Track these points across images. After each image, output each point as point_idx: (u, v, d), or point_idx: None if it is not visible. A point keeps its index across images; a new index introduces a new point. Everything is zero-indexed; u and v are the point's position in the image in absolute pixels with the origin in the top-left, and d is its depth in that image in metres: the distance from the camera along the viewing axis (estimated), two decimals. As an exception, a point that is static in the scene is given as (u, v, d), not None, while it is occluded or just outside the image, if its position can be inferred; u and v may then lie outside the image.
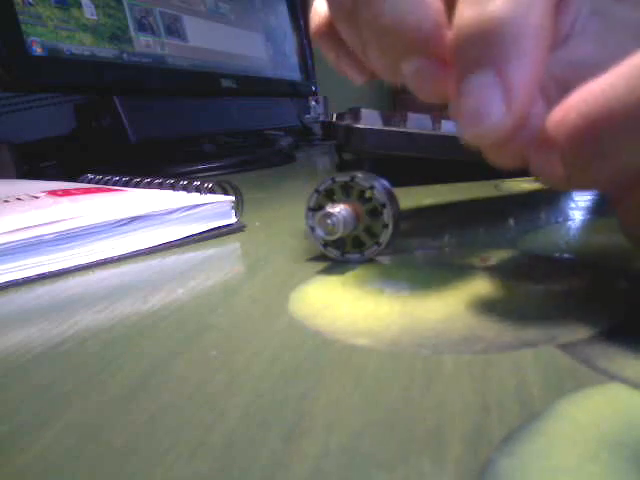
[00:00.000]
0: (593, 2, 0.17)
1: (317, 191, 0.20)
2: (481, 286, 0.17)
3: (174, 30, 0.64)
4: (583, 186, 0.13)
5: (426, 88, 0.15)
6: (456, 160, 0.34)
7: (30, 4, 0.46)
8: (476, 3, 0.13)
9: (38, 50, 0.46)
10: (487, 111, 0.13)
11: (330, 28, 0.18)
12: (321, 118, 1.06)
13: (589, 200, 0.30)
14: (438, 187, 0.37)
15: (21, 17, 0.45)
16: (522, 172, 0.15)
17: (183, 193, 0.28)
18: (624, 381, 0.11)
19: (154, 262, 0.23)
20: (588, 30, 0.17)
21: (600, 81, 0.11)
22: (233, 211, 0.28)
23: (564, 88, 0.15)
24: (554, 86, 0.16)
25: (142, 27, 0.59)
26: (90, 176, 0.36)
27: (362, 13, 0.15)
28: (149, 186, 0.32)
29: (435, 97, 0.15)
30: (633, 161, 0.11)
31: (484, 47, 0.12)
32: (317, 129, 1.04)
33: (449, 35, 0.14)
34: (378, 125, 0.38)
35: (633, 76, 0.11)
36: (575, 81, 0.14)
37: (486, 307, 0.15)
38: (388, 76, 0.16)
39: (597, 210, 0.27)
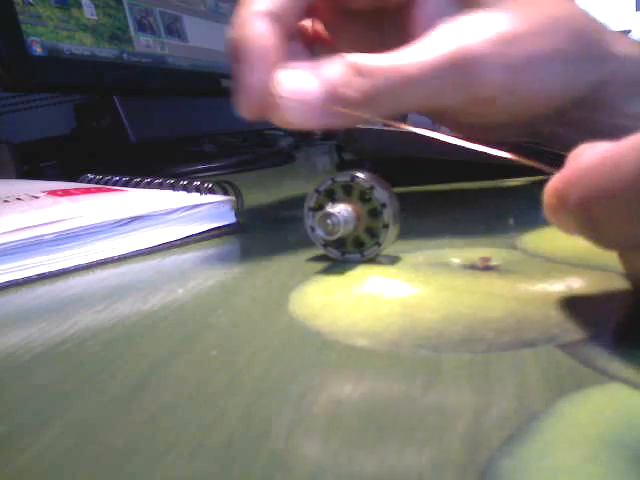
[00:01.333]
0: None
1: (317, 191, 0.20)
2: (481, 286, 0.17)
3: (174, 30, 0.64)
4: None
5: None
6: (456, 160, 0.33)
7: (30, 4, 0.46)
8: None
9: (38, 50, 0.46)
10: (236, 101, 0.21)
11: None
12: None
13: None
14: (438, 187, 0.37)
15: (21, 17, 0.45)
16: (522, 172, 0.15)
17: (183, 193, 0.28)
18: (624, 381, 0.11)
19: (154, 262, 0.23)
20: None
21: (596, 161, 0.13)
22: (233, 211, 0.28)
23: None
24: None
25: (142, 27, 0.59)
26: (90, 176, 0.36)
27: None
28: (149, 186, 0.32)
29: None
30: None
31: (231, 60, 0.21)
32: (316, 130, 1.04)
33: None
34: (378, 125, 0.38)
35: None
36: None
37: (486, 307, 0.15)
38: None
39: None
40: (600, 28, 0.25)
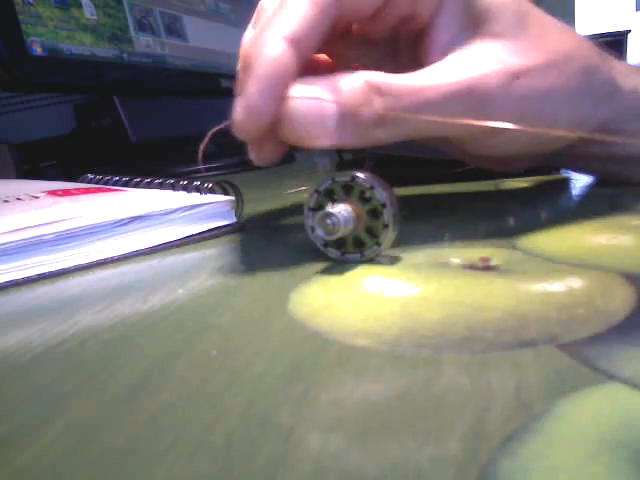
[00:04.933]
0: (460, 36, 0.23)
1: (317, 191, 0.20)
2: (481, 286, 0.17)
3: (174, 30, 0.64)
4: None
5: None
6: (456, 160, 0.33)
7: (30, 4, 0.46)
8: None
9: (38, 50, 0.46)
10: (235, 116, 0.19)
11: None
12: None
13: (589, 200, 0.30)
14: (438, 187, 0.37)
15: (21, 17, 0.45)
16: (522, 172, 0.15)
17: (183, 193, 0.28)
18: (624, 381, 0.11)
19: (154, 262, 0.23)
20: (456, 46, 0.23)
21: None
22: (233, 211, 0.28)
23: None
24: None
25: (142, 27, 0.59)
26: (90, 176, 0.36)
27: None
28: (149, 186, 0.32)
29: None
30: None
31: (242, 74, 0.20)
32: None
33: None
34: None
35: None
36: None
37: (486, 307, 0.15)
38: None
39: (597, 210, 0.27)
40: (609, 64, 0.26)
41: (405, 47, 0.26)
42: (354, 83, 0.20)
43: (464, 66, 0.22)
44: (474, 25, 0.23)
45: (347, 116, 0.19)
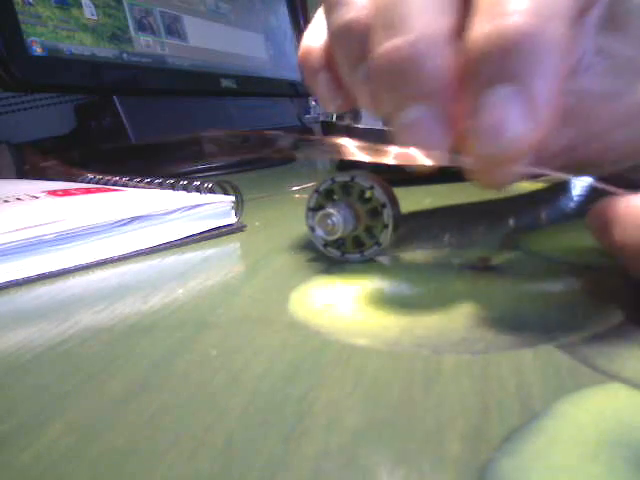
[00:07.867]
0: (598, 41, 0.19)
1: (317, 191, 0.20)
2: (481, 286, 0.17)
3: (174, 30, 0.64)
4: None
5: (419, 139, 0.14)
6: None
7: (30, 4, 0.45)
8: (494, 17, 0.12)
9: (38, 50, 0.46)
10: (507, 125, 0.12)
11: (322, 52, 0.19)
12: (321, 118, 1.05)
13: (589, 200, 0.30)
14: (438, 187, 0.37)
15: (21, 17, 0.45)
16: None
17: (183, 193, 0.28)
18: (624, 381, 0.11)
19: (154, 262, 0.23)
20: (594, 67, 0.19)
21: None
22: (233, 211, 0.28)
23: (568, 118, 0.16)
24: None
25: (142, 27, 0.59)
26: (90, 176, 0.36)
27: (375, 48, 0.14)
28: (149, 186, 0.32)
29: (425, 148, 0.15)
30: None
31: (504, 61, 0.12)
32: (317, 129, 1.04)
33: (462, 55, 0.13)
34: (378, 125, 0.38)
35: None
36: (580, 111, 0.17)
37: (486, 307, 0.15)
38: (382, 117, 0.16)
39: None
40: None
41: None
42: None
43: None
44: (612, 25, 0.19)
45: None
